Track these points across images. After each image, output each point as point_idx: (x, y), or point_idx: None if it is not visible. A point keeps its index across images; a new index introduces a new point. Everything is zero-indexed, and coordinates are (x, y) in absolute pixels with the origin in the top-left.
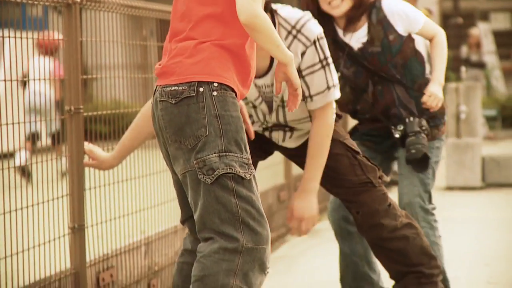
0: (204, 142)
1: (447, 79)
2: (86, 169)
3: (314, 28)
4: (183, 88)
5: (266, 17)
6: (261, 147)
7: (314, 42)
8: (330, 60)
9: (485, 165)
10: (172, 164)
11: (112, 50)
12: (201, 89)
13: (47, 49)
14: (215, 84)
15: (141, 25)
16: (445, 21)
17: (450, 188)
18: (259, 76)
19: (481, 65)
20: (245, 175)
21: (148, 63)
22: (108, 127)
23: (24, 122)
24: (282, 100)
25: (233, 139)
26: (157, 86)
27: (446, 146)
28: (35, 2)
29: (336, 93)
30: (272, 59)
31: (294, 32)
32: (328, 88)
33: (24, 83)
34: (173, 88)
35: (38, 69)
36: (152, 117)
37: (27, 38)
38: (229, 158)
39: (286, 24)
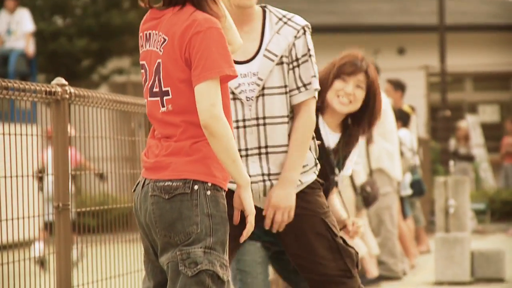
0: (193, 239)
1: (435, 173)
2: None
3: (302, 19)
4: (178, 184)
5: (227, 126)
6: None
7: (305, 32)
8: (313, 52)
9: (474, 259)
10: (154, 250)
11: (100, 144)
12: (196, 187)
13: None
14: (209, 184)
15: (129, 119)
16: (433, 113)
17: (439, 283)
18: (243, 62)
19: (469, 158)
20: (223, 276)
21: (136, 157)
22: (97, 220)
23: (38, 215)
24: (263, 88)
25: (220, 239)
26: (145, 178)
27: (434, 240)
28: (24, 98)
29: (318, 85)
30: (260, 45)
31: (284, 19)
32: (314, 76)
33: (40, 178)
34: (166, 184)
35: (52, 161)
36: (138, 209)
37: (37, 134)
38: (213, 256)
39: (278, 13)
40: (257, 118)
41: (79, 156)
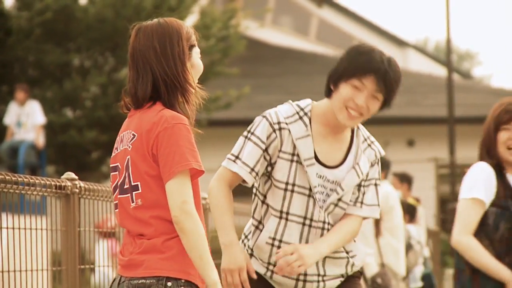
0: None
1: (445, 265)
2: None
3: (380, 147)
4: (151, 281)
5: (198, 223)
6: None
7: (379, 161)
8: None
9: None
10: None
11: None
12: (169, 284)
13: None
14: (183, 281)
15: None
16: (443, 205)
17: None
18: (329, 166)
19: None
20: None
21: None
22: None
23: None
24: (340, 199)
25: None
26: (121, 276)
27: None
28: (34, 193)
29: (378, 214)
30: (347, 154)
31: (368, 141)
32: (378, 205)
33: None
34: (140, 281)
35: (103, 253)
36: None
37: (46, 229)
38: None
39: (364, 132)
40: (324, 222)
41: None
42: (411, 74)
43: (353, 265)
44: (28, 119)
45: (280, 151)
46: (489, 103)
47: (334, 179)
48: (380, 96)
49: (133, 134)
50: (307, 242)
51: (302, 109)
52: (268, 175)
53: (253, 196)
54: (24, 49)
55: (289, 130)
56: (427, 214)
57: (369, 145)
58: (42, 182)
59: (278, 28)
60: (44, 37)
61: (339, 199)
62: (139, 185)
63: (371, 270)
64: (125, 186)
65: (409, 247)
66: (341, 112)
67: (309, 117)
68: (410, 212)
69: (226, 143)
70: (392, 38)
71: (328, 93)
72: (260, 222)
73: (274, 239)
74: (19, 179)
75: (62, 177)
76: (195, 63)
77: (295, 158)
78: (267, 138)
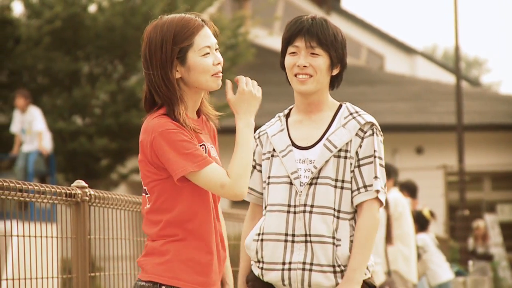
0: None
1: (454, 272)
2: None
3: (371, 117)
4: (149, 285)
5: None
6: None
7: (373, 132)
8: (380, 154)
9: None
10: None
11: (119, 244)
12: None
13: None
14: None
15: None
16: (452, 213)
17: None
18: (303, 147)
19: (488, 258)
20: None
21: None
22: None
23: None
24: (317, 177)
25: None
26: None
27: None
28: (44, 201)
29: (380, 186)
30: (323, 134)
31: (355, 115)
32: (376, 177)
33: None
34: (141, 284)
35: None
36: None
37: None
38: None
39: (351, 109)
40: (305, 205)
41: None
42: (420, 82)
43: (339, 254)
44: (31, 126)
45: (262, 154)
46: (497, 110)
47: (305, 158)
48: (319, 51)
49: (140, 139)
50: (293, 230)
51: (283, 112)
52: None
53: None
54: (33, 57)
55: (267, 133)
56: (436, 222)
57: (353, 117)
58: (52, 190)
59: None
60: (53, 45)
61: (317, 177)
62: (147, 190)
63: (378, 279)
64: (143, 188)
65: (417, 256)
66: (292, 82)
67: (286, 114)
68: (420, 222)
69: None
70: (400, 46)
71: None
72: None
73: (259, 234)
74: (29, 187)
75: (72, 185)
76: (193, 64)
77: (274, 153)
78: (254, 152)
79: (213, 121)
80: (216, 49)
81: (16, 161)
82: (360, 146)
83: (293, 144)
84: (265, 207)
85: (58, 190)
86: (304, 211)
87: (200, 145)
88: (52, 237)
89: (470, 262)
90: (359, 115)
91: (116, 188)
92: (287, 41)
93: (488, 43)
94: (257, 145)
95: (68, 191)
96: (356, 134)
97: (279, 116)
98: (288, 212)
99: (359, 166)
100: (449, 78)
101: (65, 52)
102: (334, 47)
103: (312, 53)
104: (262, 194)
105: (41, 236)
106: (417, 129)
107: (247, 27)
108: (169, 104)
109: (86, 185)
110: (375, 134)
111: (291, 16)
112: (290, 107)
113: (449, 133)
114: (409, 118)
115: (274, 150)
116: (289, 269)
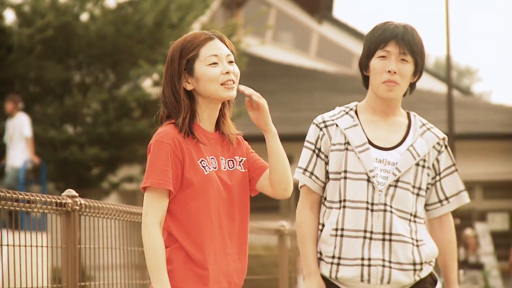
0: None
1: None
2: None
3: (440, 132)
4: None
5: (152, 236)
6: None
7: (446, 145)
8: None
9: None
10: None
11: (110, 253)
12: None
13: None
14: None
15: (139, 228)
16: None
17: None
18: (382, 148)
19: (479, 267)
20: None
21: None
22: None
23: None
24: (398, 180)
25: None
26: None
27: None
28: (35, 210)
29: (467, 198)
30: (403, 139)
31: (428, 126)
32: (463, 189)
33: None
34: None
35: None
36: None
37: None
38: None
39: (421, 119)
40: (385, 205)
41: None
42: None
43: (420, 253)
44: (15, 131)
45: (331, 145)
46: (489, 119)
47: (394, 161)
48: (409, 58)
49: None
50: (372, 227)
51: (347, 107)
52: (327, 175)
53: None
54: (25, 66)
55: (336, 124)
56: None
57: (428, 129)
58: (43, 199)
59: (279, 45)
60: (45, 54)
61: (397, 180)
62: None
63: None
64: None
65: None
66: (379, 87)
67: (355, 110)
68: None
69: None
70: None
71: (366, 82)
72: (323, 225)
73: (337, 229)
74: (19, 196)
75: (63, 194)
76: (200, 75)
77: (348, 146)
78: (317, 139)
79: (232, 141)
80: (230, 62)
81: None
82: (437, 159)
83: (369, 142)
84: (340, 201)
85: (48, 200)
86: (385, 210)
87: (200, 160)
88: (42, 246)
89: (461, 271)
90: (432, 127)
91: (107, 197)
92: (378, 44)
93: (480, 52)
94: (323, 134)
95: (58, 201)
96: (433, 147)
97: (344, 111)
98: (367, 209)
99: (440, 179)
100: (440, 87)
101: (57, 61)
102: (421, 56)
103: (403, 59)
104: (324, 184)
105: (31, 246)
106: None
107: (239, 36)
108: (176, 113)
109: (77, 194)
110: (448, 148)
111: (283, 25)
112: (355, 103)
113: None
114: None
115: (348, 143)
116: (369, 265)
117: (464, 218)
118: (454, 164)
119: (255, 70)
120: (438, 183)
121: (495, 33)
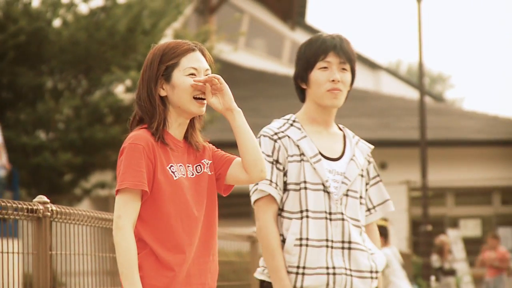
0: None
1: (419, 287)
2: None
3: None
4: None
5: (125, 238)
6: None
7: (370, 156)
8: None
9: None
10: None
11: (82, 259)
12: None
13: None
14: None
15: (111, 234)
16: (415, 228)
17: None
18: (330, 158)
19: (451, 273)
20: None
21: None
22: None
23: None
24: (349, 190)
25: None
26: None
27: None
28: (6, 216)
29: (392, 207)
30: (344, 148)
31: (356, 138)
32: (388, 199)
33: None
34: None
35: None
36: None
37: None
38: None
39: (349, 131)
40: (342, 214)
41: None
42: (384, 97)
43: (374, 261)
44: None
45: (289, 156)
46: (461, 126)
47: (342, 171)
48: (347, 67)
49: None
50: (332, 236)
51: (288, 119)
52: (285, 187)
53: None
54: None
55: (288, 136)
56: (399, 236)
57: (359, 139)
58: (14, 205)
59: (252, 51)
60: (17, 59)
61: (348, 189)
62: None
63: None
64: None
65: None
66: (324, 96)
67: (298, 122)
68: (383, 233)
69: None
70: (365, 61)
71: (302, 95)
72: (282, 235)
73: (301, 239)
74: None
75: (34, 200)
76: (176, 82)
77: (303, 157)
78: (273, 151)
79: (198, 148)
80: (205, 75)
81: None
82: (367, 169)
83: (320, 153)
84: (301, 211)
85: (19, 206)
86: (342, 219)
87: (169, 166)
88: (13, 252)
89: (432, 278)
90: (360, 139)
91: (79, 203)
92: (318, 56)
93: (452, 59)
94: (279, 145)
95: (29, 207)
96: (365, 158)
97: (288, 123)
98: (326, 218)
99: (368, 189)
100: (413, 94)
101: (29, 67)
102: (355, 64)
103: (343, 68)
104: (272, 185)
105: (1, 252)
106: (381, 145)
107: (212, 42)
108: (150, 117)
109: (48, 200)
110: (371, 158)
111: (256, 32)
112: (290, 115)
113: (413, 148)
114: (373, 134)
115: (303, 154)
116: (334, 274)
117: (436, 224)
118: (378, 175)
119: (228, 76)
120: (366, 192)
121: (467, 40)
